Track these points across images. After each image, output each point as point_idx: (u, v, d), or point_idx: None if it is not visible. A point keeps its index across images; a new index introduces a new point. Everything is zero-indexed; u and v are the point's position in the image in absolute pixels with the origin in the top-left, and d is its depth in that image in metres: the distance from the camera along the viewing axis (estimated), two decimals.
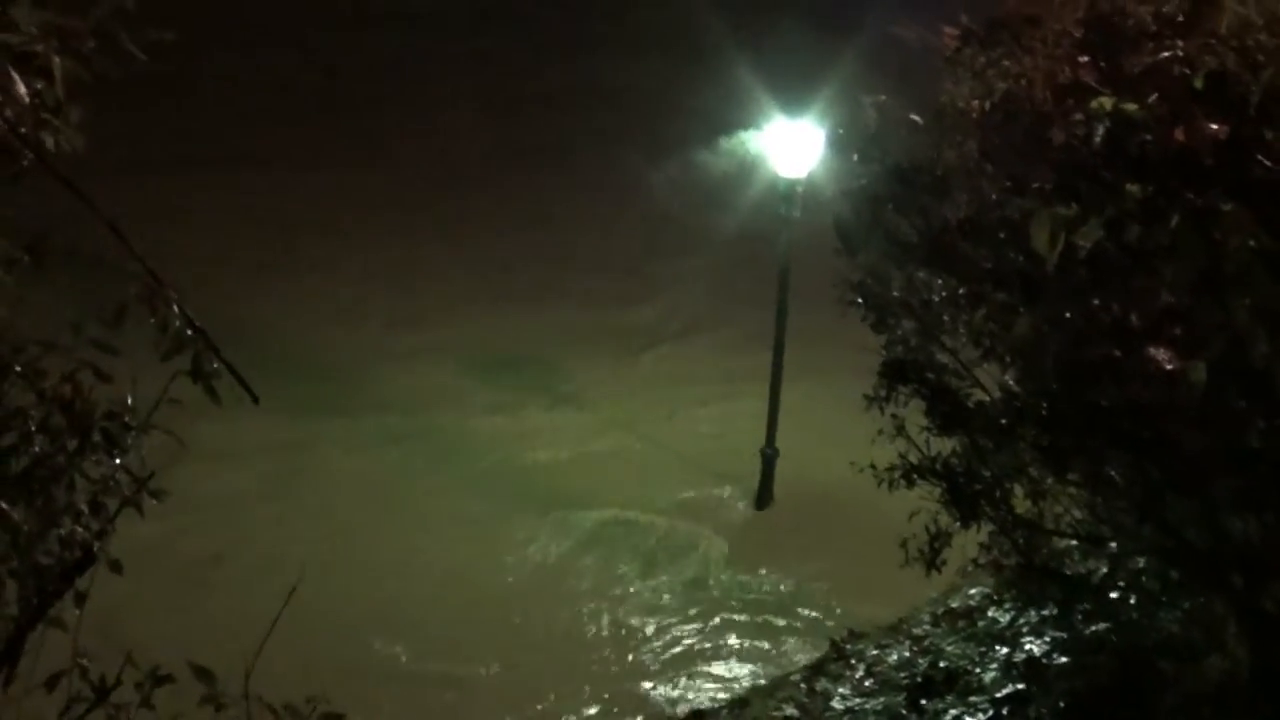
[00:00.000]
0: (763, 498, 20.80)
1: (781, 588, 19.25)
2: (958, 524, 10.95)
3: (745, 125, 21.36)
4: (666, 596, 19.02)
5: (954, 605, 15.71)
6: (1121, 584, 11.72)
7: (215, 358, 5.01)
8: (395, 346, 24.34)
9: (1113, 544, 10.99)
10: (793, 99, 19.60)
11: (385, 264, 27.04)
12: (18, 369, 5.02)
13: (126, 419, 5.30)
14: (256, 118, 32.51)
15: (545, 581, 19.18)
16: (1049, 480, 10.60)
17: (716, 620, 18.64)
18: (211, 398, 5.03)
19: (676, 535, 20.18)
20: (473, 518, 20.22)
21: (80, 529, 5.27)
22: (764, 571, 19.58)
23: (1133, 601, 11.63)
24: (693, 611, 18.76)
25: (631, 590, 19.10)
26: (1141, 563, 11.52)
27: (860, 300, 10.97)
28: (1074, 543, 11.44)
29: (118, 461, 5.28)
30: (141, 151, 28.49)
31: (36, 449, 5.19)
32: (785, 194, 19.66)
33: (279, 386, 22.20)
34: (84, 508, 5.25)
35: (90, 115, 5.02)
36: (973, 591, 15.66)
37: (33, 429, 5.16)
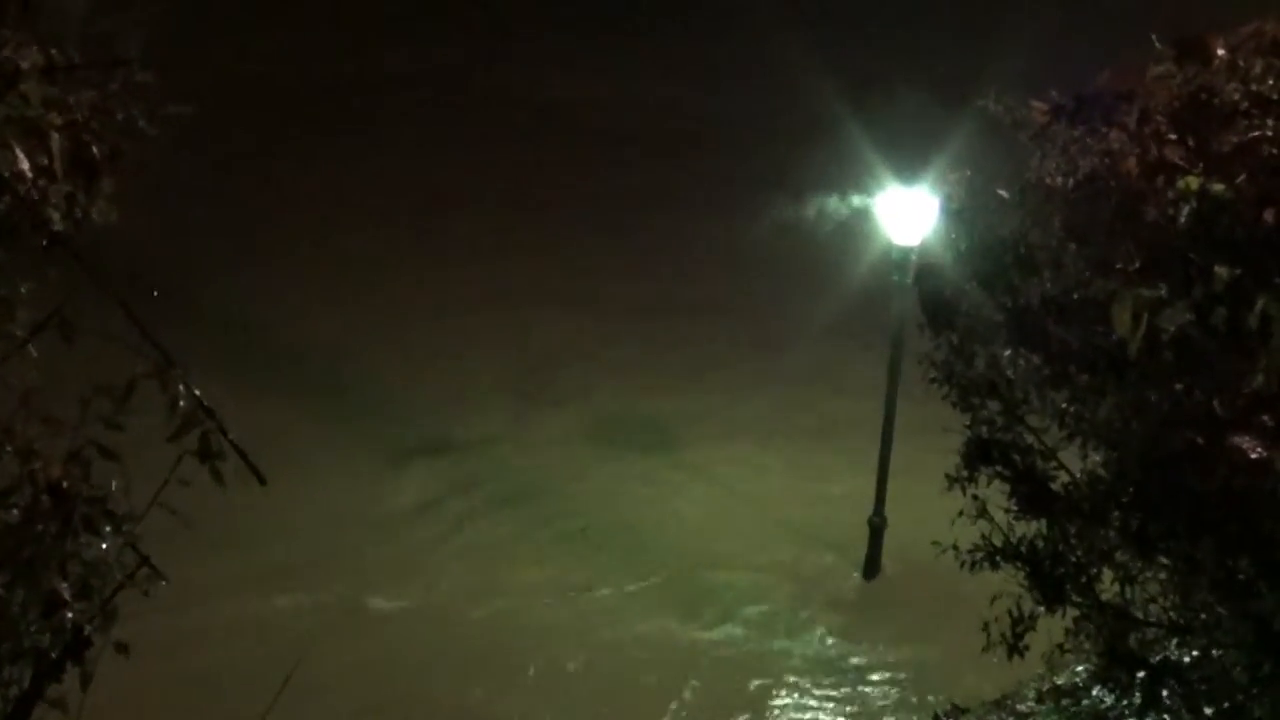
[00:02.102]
0: (871, 567, 20.52)
1: (889, 659, 19.01)
2: (1042, 608, 10.67)
3: (861, 190, 21.19)
4: (787, 664, 18.88)
5: (1059, 682, 15.34)
6: (1210, 674, 11.36)
7: (224, 438, 4.98)
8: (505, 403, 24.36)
9: (1202, 633, 10.66)
10: (908, 166, 19.41)
11: (475, 308, 27.12)
12: (9, 449, 5.02)
13: (110, 505, 5.27)
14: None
15: (665, 650, 19.05)
16: (1137, 566, 10.30)
17: (830, 691, 18.45)
18: (216, 480, 5.01)
19: (789, 603, 19.97)
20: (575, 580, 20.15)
21: (72, 613, 5.24)
22: (873, 644, 19.34)
23: (1221, 692, 11.26)
24: (807, 682, 18.61)
25: (750, 656, 18.97)
26: (1231, 653, 11.17)
27: (944, 378, 10.77)
28: (1162, 630, 11.12)
29: (105, 546, 5.25)
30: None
31: (24, 531, 5.18)
32: (898, 261, 19.44)
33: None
34: (66, 593, 5.20)
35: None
36: (1079, 669, 15.30)
37: (15, 511, 5.16)
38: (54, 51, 5.19)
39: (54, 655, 5.22)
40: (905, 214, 19.32)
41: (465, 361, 25.17)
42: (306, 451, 22.04)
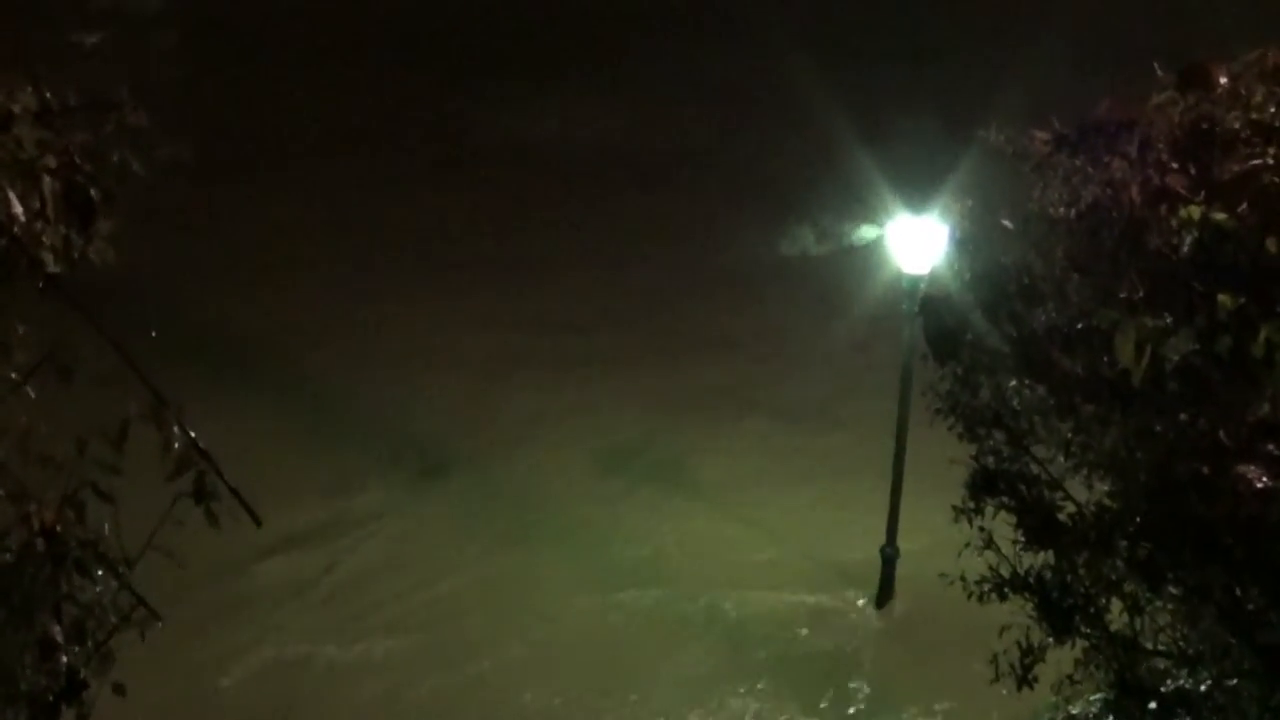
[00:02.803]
0: (882, 596, 20.46)
1: (902, 688, 18.96)
2: (1051, 639, 10.63)
3: (871, 219, 21.21)
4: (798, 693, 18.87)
5: (1074, 712, 15.28)
6: (1221, 704, 11.31)
7: (219, 479, 4.98)
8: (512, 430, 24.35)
9: (1212, 662, 10.62)
10: (917, 195, 19.39)
11: (483, 340, 27.16)
12: (1, 492, 5.04)
13: (104, 549, 5.28)
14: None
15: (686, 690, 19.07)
16: (1145, 596, 10.26)
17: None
18: (210, 521, 5.02)
19: (801, 630, 19.93)
20: (586, 616, 20.11)
21: (67, 656, 5.24)
22: (886, 672, 19.28)
23: None
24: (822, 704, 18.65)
25: (760, 686, 18.95)
26: (1242, 682, 11.12)
27: (949, 409, 10.75)
28: (1172, 660, 11.07)
29: (99, 589, 5.25)
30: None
31: (18, 574, 5.19)
32: (909, 289, 19.40)
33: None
34: (59, 636, 5.21)
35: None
36: (1094, 697, 15.23)
37: (9, 554, 5.17)
38: (48, 94, 5.22)
39: (50, 698, 5.22)
40: (915, 242, 19.30)
41: (469, 393, 25.16)
42: (312, 483, 22.11)
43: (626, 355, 26.44)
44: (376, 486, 22.50)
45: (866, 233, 20.82)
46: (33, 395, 5.59)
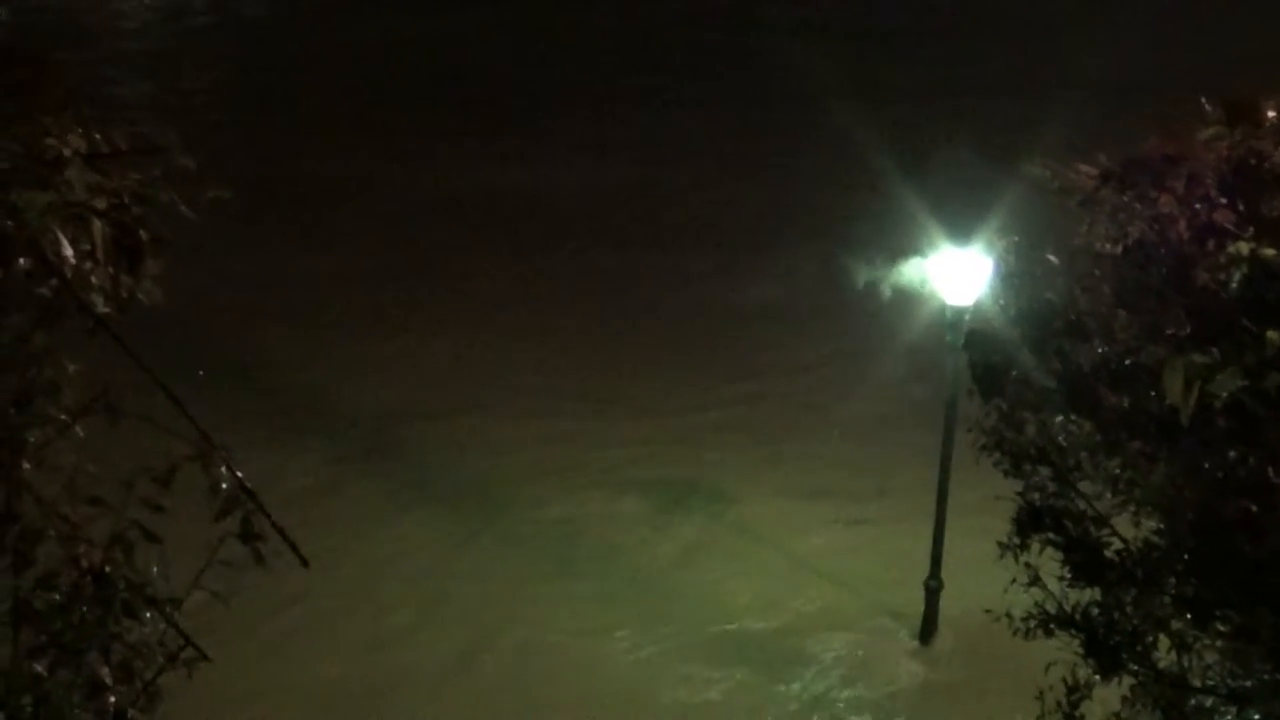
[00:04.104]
0: (926, 631, 20.34)
1: None
2: (1097, 676, 10.55)
3: (913, 251, 21.13)
4: None
5: None
6: None
7: (267, 520, 5.01)
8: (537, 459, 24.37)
9: (1260, 701, 10.52)
10: (962, 226, 19.34)
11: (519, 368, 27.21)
12: (52, 533, 5.07)
13: (151, 590, 5.31)
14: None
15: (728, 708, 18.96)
16: (1193, 633, 10.17)
17: None
18: (258, 561, 5.04)
19: (843, 668, 19.80)
20: (621, 640, 20.05)
21: (115, 696, 5.27)
22: (931, 707, 19.17)
23: None
24: None
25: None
26: None
27: (994, 445, 10.70)
28: (1220, 698, 10.97)
29: (146, 630, 5.28)
30: None
31: (67, 615, 5.22)
32: (952, 322, 19.36)
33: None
34: (108, 677, 5.23)
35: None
36: None
37: (58, 597, 5.20)
38: (97, 137, 5.26)
39: None
40: (958, 274, 19.25)
41: (512, 427, 25.17)
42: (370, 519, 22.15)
43: (666, 392, 26.45)
44: (417, 524, 22.48)
45: (909, 266, 20.72)
46: (81, 435, 5.62)
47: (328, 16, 49.76)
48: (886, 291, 25.19)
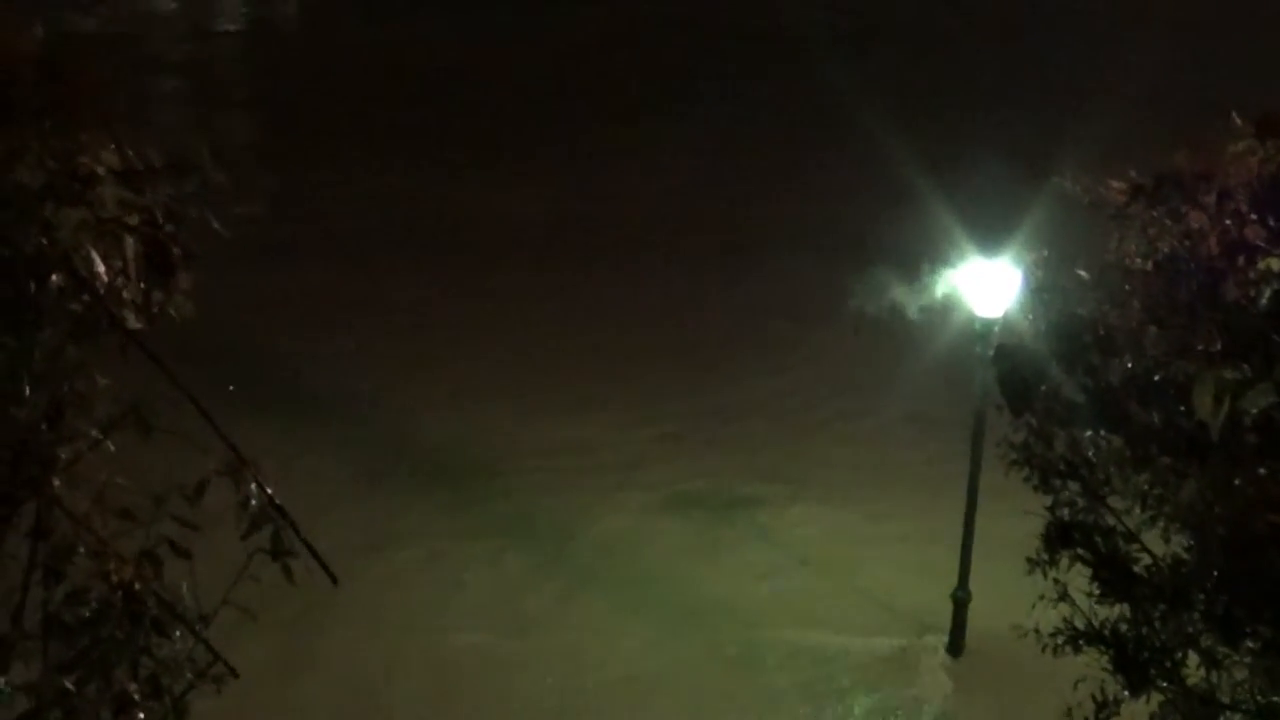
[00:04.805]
0: (955, 643, 20.28)
1: None
2: (1126, 692, 10.51)
3: (942, 262, 21.06)
4: None
5: None
6: None
7: (296, 536, 5.02)
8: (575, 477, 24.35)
9: None
10: (990, 238, 19.30)
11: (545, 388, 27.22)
12: (81, 549, 5.09)
13: (180, 607, 5.33)
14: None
15: None
16: (1222, 650, 10.12)
17: None
18: (287, 578, 5.05)
19: (874, 681, 19.75)
20: (657, 659, 19.99)
21: (143, 713, 5.28)
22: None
23: None
24: None
25: None
26: None
27: (1023, 460, 10.67)
28: (1249, 715, 10.92)
29: (176, 647, 5.30)
30: None
31: (97, 629, 5.23)
32: (981, 334, 19.32)
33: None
34: (136, 693, 5.25)
35: None
36: None
37: (88, 614, 5.22)
38: (130, 154, 5.29)
39: None
40: (987, 286, 19.21)
41: (546, 448, 25.16)
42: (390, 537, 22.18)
43: (692, 403, 26.47)
44: (448, 537, 22.47)
45: (938, 277, 20.68)
46: (112, 449, 5.65)
47: (359, 24, 49.80)
48: (915, 303, 25.16)
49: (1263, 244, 8.85)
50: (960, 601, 20.12)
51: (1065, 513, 10.58)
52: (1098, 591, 10.48)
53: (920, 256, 25.75)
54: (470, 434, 25.18)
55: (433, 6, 50.97)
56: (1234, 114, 9.62)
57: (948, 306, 21.08)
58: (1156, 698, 10.65)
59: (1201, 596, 9.82)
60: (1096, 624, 10.59)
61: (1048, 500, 10.75)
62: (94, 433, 5.36)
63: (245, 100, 44.61)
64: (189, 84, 45.85)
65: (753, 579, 21.70)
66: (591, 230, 34.04)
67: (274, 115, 42.46)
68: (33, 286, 5.09)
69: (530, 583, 21.30)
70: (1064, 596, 10.79)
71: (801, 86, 42.47)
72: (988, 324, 19.27)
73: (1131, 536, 10.38)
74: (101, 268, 4.94)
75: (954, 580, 19.89)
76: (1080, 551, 10.46)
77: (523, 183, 36.69)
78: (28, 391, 5.26)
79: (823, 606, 21.07)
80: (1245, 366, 8.49)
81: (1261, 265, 8.67)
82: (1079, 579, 10.70)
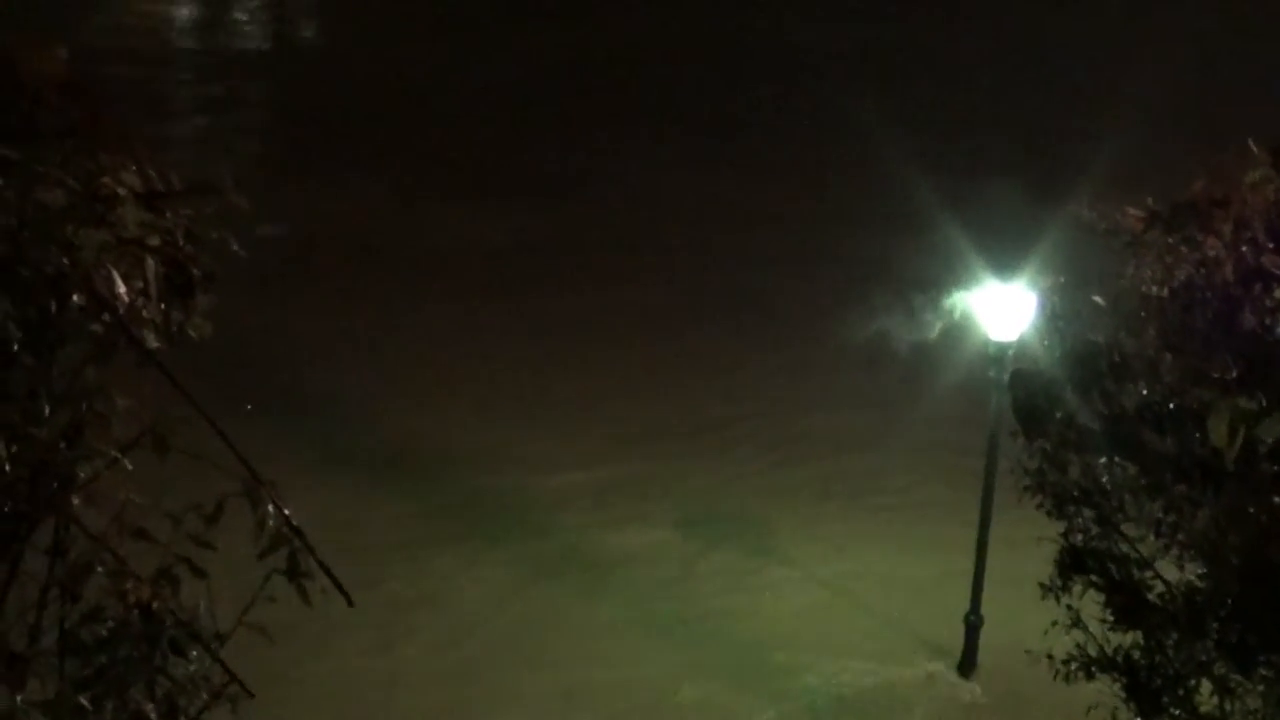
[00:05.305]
0: (966, 664, 20.25)
1: None
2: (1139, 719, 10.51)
3: (957, 285, 21.07)
4: None
5: None
6: None
7: (312, 557, 5.04)
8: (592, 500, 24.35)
9: None
10: (1005, 261, 19.29)
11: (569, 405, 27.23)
12: (100, 568, 5.12)
13: (197, 627, 5.35)
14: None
15: None
16: (1235, 678, 10.12)
17: None
18: (303, 598, 5.07)
19: (883, 703, 19.73)
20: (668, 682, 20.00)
21: None
22: None
23: None
24: None
25: None
26: None
27: (1037, 486, 10.67)
28: None
29: (193, 668, 5.32)
30: None
31: (113, 648, 5.26)
32: (995, 357, 19.30)
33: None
34: (152, 713, 5.26)
35: None
36: None
37: (105, 632, 5.24)
38: (152, 174, 5.33)
39: None
40: (1002, 309, 19.20)
41: (564, 463, 25.18)
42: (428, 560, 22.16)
43: (706, 425, 26.49)
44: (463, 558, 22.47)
45: (953, 301, 20.69)
46: (129, 468, 5.67)
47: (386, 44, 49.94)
48: (932, 326, 25.17)
49: (1279, 273, 8.85)
50: (973, 625, 20.09)
51: (1079, 539, 10.59)
52: (1111, 618, 10.49)
53: (935, 280, 25.90)
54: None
55: (456, 31, 51.13)
56: (1250, 142, 9.63)
57: (963, 330, 21.15)
58: None
59: (1215, 624, 9.81)
60: (1109, 651, 10.59)
61: (1061, 526, 10.76)
62: (112, 452, 5.38)
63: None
64: (210, 110, 45.95)
65: (762, 598, 21.72)
66: (599, 248, 34.21)
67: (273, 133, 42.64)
68: (53, 306, 5.12)
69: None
70: (1077, 623, 10.80)
71: (818, 109, 42.60)
72: (1002, 348, 19.25)
73: (1145, 564, 10.38)
74: (122, 288, 4.97)
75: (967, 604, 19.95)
76: (1093, 578, 10.46)
77: (524, 205, 36.79)
78: (47, 411, 5.29)
79: (836, 629, 21.08)
80: (1261, 395, 8.49)
81: (1278, 294, 8.65)
82: (1092, 605, 10.70)
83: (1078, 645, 10.83)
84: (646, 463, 25.22)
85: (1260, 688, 10.26)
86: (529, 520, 23.36)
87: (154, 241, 5.17)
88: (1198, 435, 9.14)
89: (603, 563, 22.27)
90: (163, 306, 5.33)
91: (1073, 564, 10.57)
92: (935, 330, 25.54)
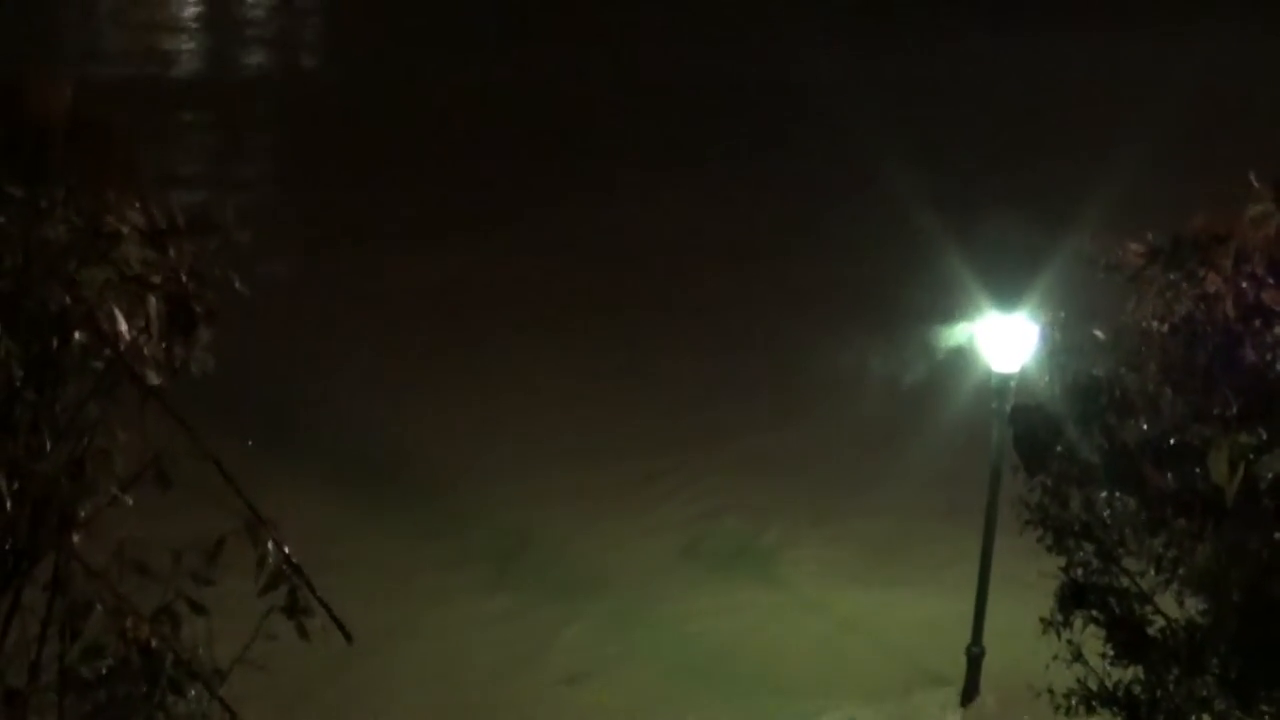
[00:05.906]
0: (968, 693, 20.21)
1: None
2: None
3: (958, 317, 21.08)
4: None
5: None
6: None
7: (312, 595, 5.05)
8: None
9: None
10: (1007, 292, 19.27)
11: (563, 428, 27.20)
12: (99, 606, 5.13)
13: (196, 665, 5.35)
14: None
15: None
16: (1236, 714, 10.10)
17: None
18: (302, 636, 5.08)
19: None
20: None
21: None
22: None
23: None
24: None
25: None
26: None
27: (1038, 521, 10.67)
28: None
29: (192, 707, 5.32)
30: None
31: (113, 686, 5.27)
32: (998, 389, 19.27)
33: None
34: None
35: None
36: None
37: (104, 669, 5.25)
38: (155, 212, 5.35)
39: None
40: (1004, 340, 19.18)
41: (565, 486, 25.15)
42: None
43: (712, 449, 26.48)
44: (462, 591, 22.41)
45: (955, 332, 20.72)
46: (130, 503, 5.68)
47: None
48: (933, 357, 25.23)
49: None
50: (974, 656, 20.05)
51: (1079, 573, 10.58)
52: (1112, 653, 10.48)
53: (935, 311, 25.97)
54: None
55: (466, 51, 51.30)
56: (1252, 175, 9.65)
57: (964, 361, 21.18)
58: None
59: (1216, 660, 9.81)
60: (1110, 685, 10.58)
61: (1062, 560, 10.76)
62: (114, 489, 5.40)
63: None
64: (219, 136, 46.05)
65: (758, 626, 21.67)
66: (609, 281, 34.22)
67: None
68: (56, 343, 5.14)
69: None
70: (1078, 657, 10.79)
71: (820, 140, 42.66)
72: (1004, 379, 19.24)
73: (1146, 599, 10.38)
74: (124, 325, 4.99)
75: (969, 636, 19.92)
76: (1094, 613, 10.46)
77: (536, 241, 36.81)
78: (49, 446, 5.31)
79: (836, 660, 21.03)
80: (1261, 431, 8.51)
81: (1278, 329, 8.66)
82: (1093, 640, 10.69)
83: (1079, 680, 10.81)
84: (647, 486, 25.29)
85: None
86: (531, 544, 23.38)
87: (156, 279, 5.19)
88: (1199, 470, 9.15)
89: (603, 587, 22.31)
90: (164, 344, 5.34)
91: (1074, 598, 10.57)
92: (936, 361, 25.63)
